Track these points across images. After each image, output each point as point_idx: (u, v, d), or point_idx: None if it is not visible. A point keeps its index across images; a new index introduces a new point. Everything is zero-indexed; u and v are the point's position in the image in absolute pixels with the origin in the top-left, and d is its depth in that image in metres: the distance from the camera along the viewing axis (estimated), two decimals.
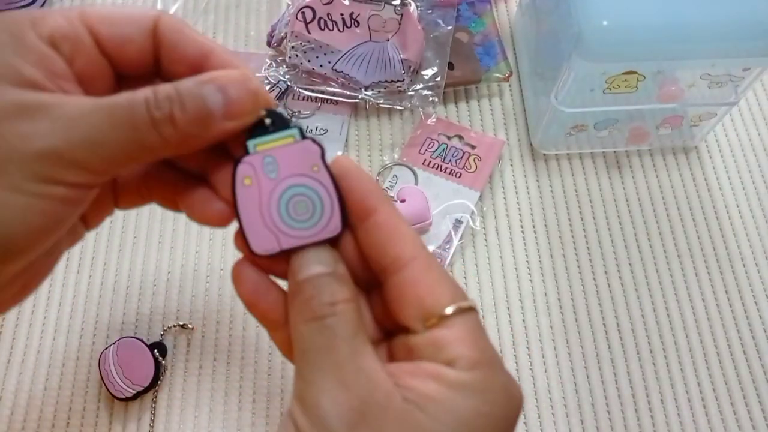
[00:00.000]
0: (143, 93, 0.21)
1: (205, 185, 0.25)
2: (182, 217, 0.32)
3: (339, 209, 0.23)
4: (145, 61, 0.24)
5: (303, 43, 0.48)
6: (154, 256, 0.46)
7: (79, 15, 0.22)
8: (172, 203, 0.26)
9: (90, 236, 0.46)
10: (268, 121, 0.23)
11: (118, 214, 0.47)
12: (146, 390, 0.40)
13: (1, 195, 0.20)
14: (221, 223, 0.25)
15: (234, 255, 0.45)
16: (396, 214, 0.24)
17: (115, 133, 0.21)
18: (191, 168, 0.26)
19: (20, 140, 0.20)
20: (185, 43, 0.23)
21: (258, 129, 0.23)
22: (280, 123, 0.23)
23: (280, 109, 0.24)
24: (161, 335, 0.43)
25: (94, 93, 0.23)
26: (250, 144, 0.23)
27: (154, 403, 0.41)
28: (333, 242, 0.24)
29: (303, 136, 0.23)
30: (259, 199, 0.23)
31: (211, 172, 0.25)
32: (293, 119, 0.23)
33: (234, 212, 0.23)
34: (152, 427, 0.41)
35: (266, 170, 0.23)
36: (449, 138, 0.50)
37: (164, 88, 0.21)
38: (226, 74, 0.22)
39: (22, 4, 0.54)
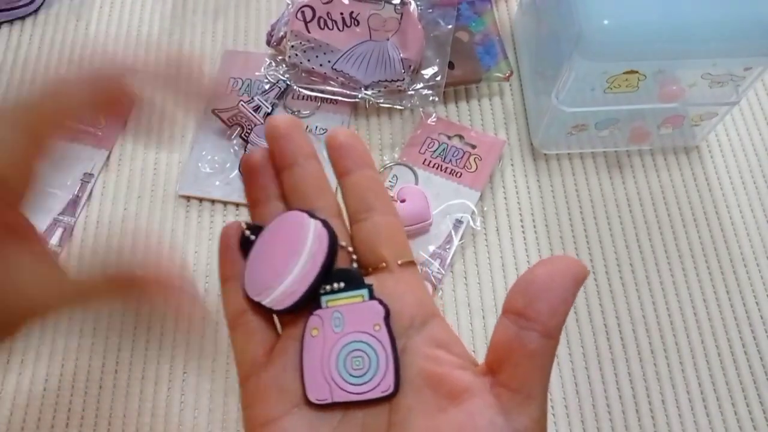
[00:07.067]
0: None
1: None
2: None
3: (393, 370, 0.24)
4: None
5: (302, 43, 0.48)
6: None
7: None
8: None
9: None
10: (341, 284, 0.25)
11: None
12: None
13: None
14: None
15: None
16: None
17: None
18: None
19: None
20: None
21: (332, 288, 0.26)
22: (353, 283, 0.25)
23: (354, 268, 0.26)
24: None
25: None
26: (323, 299, 0.25)
27: None
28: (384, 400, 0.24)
29: (371, 297, 0.25)
30: (321, 349, 0.25)
31: None
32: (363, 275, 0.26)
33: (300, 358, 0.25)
34: None
35: (333, 324, 0.25)
36: (449, 138, 0.50)
37: None
38: None
39: (20, 4, 0.54)
